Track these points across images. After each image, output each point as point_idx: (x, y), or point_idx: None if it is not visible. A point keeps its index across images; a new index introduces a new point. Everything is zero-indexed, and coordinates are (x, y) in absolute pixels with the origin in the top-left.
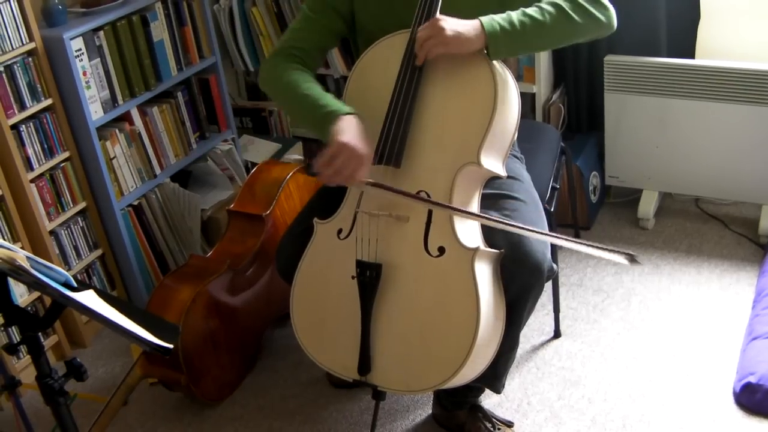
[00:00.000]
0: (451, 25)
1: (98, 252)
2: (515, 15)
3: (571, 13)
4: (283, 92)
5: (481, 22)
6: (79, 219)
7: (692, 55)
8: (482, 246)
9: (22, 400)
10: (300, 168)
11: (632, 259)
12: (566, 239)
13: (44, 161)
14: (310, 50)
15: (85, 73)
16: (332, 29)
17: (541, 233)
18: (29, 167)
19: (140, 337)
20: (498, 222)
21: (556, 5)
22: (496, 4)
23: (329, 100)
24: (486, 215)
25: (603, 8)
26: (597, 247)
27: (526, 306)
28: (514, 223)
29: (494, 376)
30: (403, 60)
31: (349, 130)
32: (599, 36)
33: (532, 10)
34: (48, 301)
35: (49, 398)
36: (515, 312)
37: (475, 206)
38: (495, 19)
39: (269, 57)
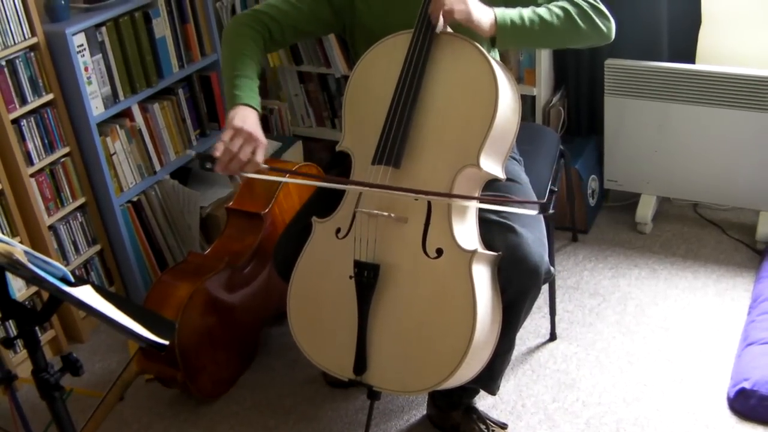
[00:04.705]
0: (473, 2)
1: (97, 247)
2: (526, 12)
3: (577, 18)
4: (227, 55)
5: (495, 13)
6: (78, 214)
7: (693, 60)
8: (480, 248)
9: (19, 395)
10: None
11: (543, 208)
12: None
13: (44, 156)
14: (284, 25)
15: (86, 69)
16: (317, 15)
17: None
18: (29, 162)
19: (136, 333)
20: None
21: (564, 10)
22: (501, 3)
23: (244, 85)
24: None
25: (606, 19)
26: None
27: (522, 308)
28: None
29: (490, 378)
30: (405, 60)
31: (243, 117)
32: (597, 44)
33: (542, 10)
34: (45, 295)
35: (44, 393)
36: (512, 314)
37: (473, 208)
38: (507, 13)
39: (241, 14)
